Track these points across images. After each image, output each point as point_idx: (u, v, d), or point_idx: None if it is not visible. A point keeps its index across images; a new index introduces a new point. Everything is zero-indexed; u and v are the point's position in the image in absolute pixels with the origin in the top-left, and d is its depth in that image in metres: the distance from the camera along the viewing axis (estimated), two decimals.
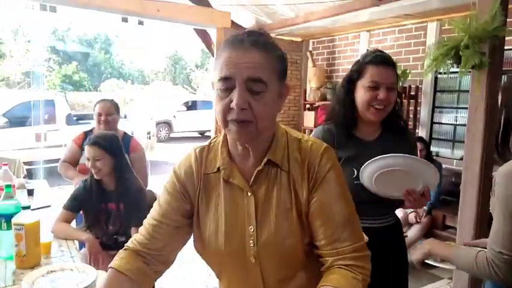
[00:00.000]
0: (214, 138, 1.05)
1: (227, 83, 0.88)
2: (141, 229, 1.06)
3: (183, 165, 1.04)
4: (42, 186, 3.09)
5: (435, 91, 4.68)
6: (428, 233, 3.85)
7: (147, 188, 2.52)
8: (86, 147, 2.13)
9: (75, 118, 7.75)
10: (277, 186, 0.96)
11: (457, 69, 2.76)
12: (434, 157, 4.26)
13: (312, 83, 5.83)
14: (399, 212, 3.92)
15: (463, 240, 2.76)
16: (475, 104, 2.62)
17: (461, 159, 4.31)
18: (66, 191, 2.65)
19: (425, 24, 4.54)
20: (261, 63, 0.87)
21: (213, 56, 5.64)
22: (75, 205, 2.19)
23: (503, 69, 3.12)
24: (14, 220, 1.64)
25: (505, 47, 2.71)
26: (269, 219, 0.94)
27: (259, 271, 0.96)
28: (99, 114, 2.84)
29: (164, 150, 11.10)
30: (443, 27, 4.37)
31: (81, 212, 2.28)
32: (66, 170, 2.87)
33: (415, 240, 3.85)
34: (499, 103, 1.41)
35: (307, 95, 5.91)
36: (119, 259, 1.00)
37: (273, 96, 0.91)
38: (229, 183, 0.98)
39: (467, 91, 4.33)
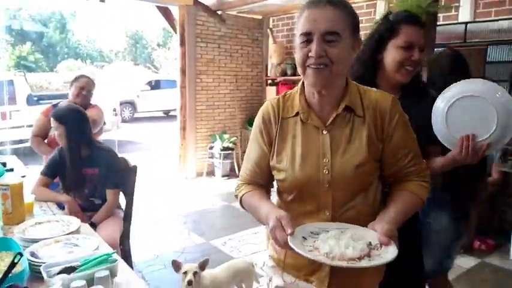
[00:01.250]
0: (287, 92, 1.23)
1: (307, 37, 1.05)
2: (244, 171, 1.26)
3: (260, 114, 1.23)
4: (14, 160, 3.20)
5: None
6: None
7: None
8: (52, 120, 2.32)
9: (35, 98, 7.61)
10: (352, 128, 1.12)
11: None
12: None
13: (272, 59, 6.08)
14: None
15: None
16: None
17: None
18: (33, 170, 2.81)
19: (375, 1, 4.87)
20: (335, 18, 1.04)
21: (176, 33, 5.73)
22: (51, 171, 2.37)
23: (439, 42, 3.50)
24: None
25: (438, 23, 3.06)
26: (343, 153, 1.11)
27: (330, 195, 1.11)
28: (81, 88, 3.04)
29: (129, 130, 11.08)
30: (390, 4, 4.72)
31: (55, 179, 2.45)
32: (38, 145, 3.00)
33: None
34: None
35: (268, 71, 6.17)
36: (243, 189, 1.23)
37: (347, 46, 1.06)
38: (306, 124, 1.15)
39: None
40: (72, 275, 1.24)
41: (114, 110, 8.63)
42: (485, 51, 4.11)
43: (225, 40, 6.01)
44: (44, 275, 1.24)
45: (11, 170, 1.86)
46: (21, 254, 1.20)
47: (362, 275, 1.14)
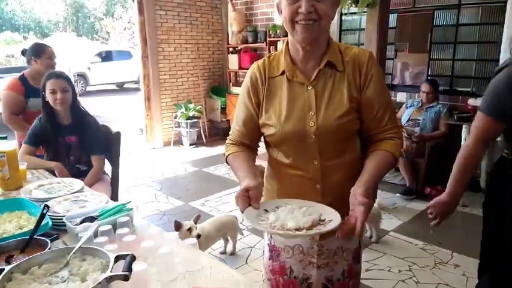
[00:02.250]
0: (272, 53, 1.32)
1: None
2: (232, 132, 1.36)
3: (248, 76, 1.31)
4: None
5: (340, 31, 5.32)
6: None
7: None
8: (52, 81, 2.31)
9: None
10: (334, 83, 1.21)
11: (356, 10, 3.33)
12: None
13: (233, 27, 6.12)
14: None
15: None
16: (369, 37, 3.24)
17: None
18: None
19: None
20: None
21: (133, 2, 5.59)
22: (34, 140, 2.40)
23: (391, 8, 3.78)
24: None
25: None
26: (327, 106, 1.20)
27: (317, 146, 1.21)
28: (50, 58, 3.01)
29: (83, 104, 10.66)
30: None
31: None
32: (17, 123, 2.92)
33: None
34: None
35: (229, 39, 6.22)
36: (230, 149, 1.33)
37: (331, 2, 1.15)
38: (292, 82, 1.23)
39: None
40: (96, 221, 1.37)
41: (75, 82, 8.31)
42: (432, 16, 4.47)
43: (184, 8, 5.95)
44: (69, 224, 1.37)
45: (5, 137, 1.89)
46: (47, 206, 1.31)
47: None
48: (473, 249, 2.78)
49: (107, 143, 2.57)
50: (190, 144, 6.05)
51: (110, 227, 1.31)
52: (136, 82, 14.24)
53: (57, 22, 23.66)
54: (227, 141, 1.38)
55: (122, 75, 14.18)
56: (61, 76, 2.34)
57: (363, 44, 5.08)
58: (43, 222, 1.34)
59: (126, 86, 15.13)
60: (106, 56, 14.07)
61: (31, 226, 1.40)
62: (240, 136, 1.33)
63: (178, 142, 6.14)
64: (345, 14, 5.20)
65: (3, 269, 0.98)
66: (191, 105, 6.03)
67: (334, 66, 1.22)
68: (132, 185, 4.38)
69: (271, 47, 5.68)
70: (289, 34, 1.22)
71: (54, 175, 2.25)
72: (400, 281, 2.48)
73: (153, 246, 1.23)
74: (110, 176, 2.65)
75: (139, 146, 6.05)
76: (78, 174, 2.45)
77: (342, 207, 1.13)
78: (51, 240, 1.22)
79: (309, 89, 1.22)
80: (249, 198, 1.11)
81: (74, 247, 1.10)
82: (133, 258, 1.04)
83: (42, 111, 2.39)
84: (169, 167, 5.06)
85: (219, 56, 6.56)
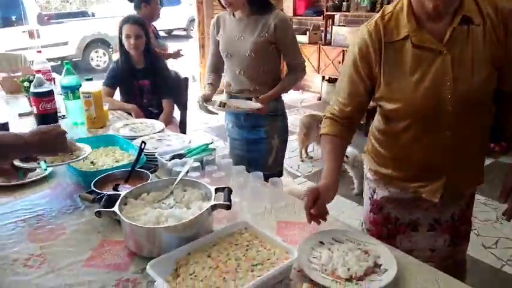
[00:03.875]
0: (385, 11, 1.11)
1: None
2: (333, 105, 1.24)
3: (356, 44, 1.14)
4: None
5: None
6: None
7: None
8: (127, 26, 2.41)
9: (46, 18, 7.47)
10: (472, 42, 1.02)
11: None
12: None
13: None
14: None
15: None
16: None
17: None
18: None
19: None
20: None
21: None
22: (112, 82, 2.55)
23: None
24: (82, 89, 2.00)
25: None
26: (466, 71, 1.03)
27: (454, 118, 1.07)
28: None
29: None
30: None
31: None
32: None
33: None
34: None
35: None
36: (326, 127, 1.24)
37: None
38: (419, 47, 1.05)
39: None
40: (185, 158, 1.49)
41: None
42: None
43: None
44: (161, 160, 1.49)
45: (91, 79, 2.03)
46: (144, 143, 1.43)
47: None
48: None
49: (176, 88, 2.68)
50: None
51: (198, 163, 1.42)
52: (185, 29, 14.22)
53: None
54: (326, 113, 1.27)
55: (171, 21, 14.16)
56: (136, 22, 2.41)
57: None
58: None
59: (174, 33, 15.17)
60: None
61: (126, 160, 1.54)
62: (341, 111, 1.22)
63: None
64: None
65: (119, 195, 1.11)
66: None
67: (470, 21, 1.03)
68: (190, 130, 4.55)
69: None
70: None
71: (131, 116, 2.40)
72: None
73: (242, 182, 1.33)
74: (178, 120, 2.79)
75: (192, 93, 6.18)
76: (150, 117, 2.59)
77: (470, 177, 1.15)
78: (151, 172, 1.35)
79: (443, 53, 1.04)
80: (317, 199, 1.04)
81: (176, 179, 1.21)
82: (230, 191, 1.13)
83: (119, 53, 2.51)
84: (221, 114, 5.15)
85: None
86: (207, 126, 4.78)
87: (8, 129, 1.79)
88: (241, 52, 1.83)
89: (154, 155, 1.53)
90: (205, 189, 1.17)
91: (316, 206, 1.04)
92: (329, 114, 1.26)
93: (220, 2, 1.85)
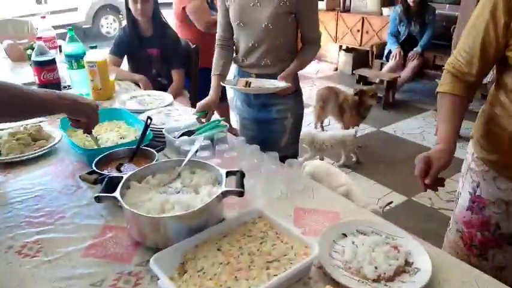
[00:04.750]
0: None
1: None
2: (456, 57, 1.09)
3: None
4: None
5: None
6: (420, 72, 4.27)
7: None
8: None
9: None
10: None
11: None
12: (428, 2, 4.39)
13: None
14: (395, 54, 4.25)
15: None
16: None
17: (454, 3, 4.50)
18: None
19: None
20: None
21: None
22: (119, 50, 2.42)
23: None
24: (86, 59, 1.88)
25: None
26: None
27: None
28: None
29: None
30: None
31: None
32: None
33: (406, 80, 4.29)
34: None
35: None
36: (445, 84, 1.09)
37: None
38: None
39: None
40: (195, 136, 1.38)
41: None
42: None
43: None
44: (169, 137, 1.38)
45: (95, 47, 1.90)
46: (150, 118, 1.32)
47: None
48: None
49: (186, 57, 2.53)
50: None
51: (209, 142, 1.31)
52: None
53: None
54: (447, 66, 1.11)
55: None
56: None
57: None
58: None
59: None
60: None
61: (131, 136, 1.44)
62: (466, 66, 1.06)
63: None
64: None
65: (121, 177, 1.01)
66: None
67: None
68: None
69: None
70: None
71: (138, 87, 2.28)
72: None
73: (256, 164, 1.22)
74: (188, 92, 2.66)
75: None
76: (159, 88, 2.47)
77: None
78: (157, 151, 1.24)
79: None
80: (429, 168, 0.95)
81: (184, 160, 1.11)
82: (243, 175, 1.02)
83: (126, 19, 2.36)
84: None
85: None
86: None
87: None
88: (257, 22, 1.62)
89: (162, 131, 1.42)
90: (216, 172, 1.06)
91: (430, 176, 0.94)
92: (451, 68, 1.10)
93: None
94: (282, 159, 1.27)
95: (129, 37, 2.37)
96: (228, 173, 1.03)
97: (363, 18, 4.98)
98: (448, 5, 4.60)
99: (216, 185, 1.04)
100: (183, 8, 2.74)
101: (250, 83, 1.60)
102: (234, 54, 1.75)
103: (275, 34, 1.62)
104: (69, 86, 2.06)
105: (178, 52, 2.46)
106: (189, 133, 1.42)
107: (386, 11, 4.80)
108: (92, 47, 1.89)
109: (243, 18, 1.64)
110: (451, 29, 4.27)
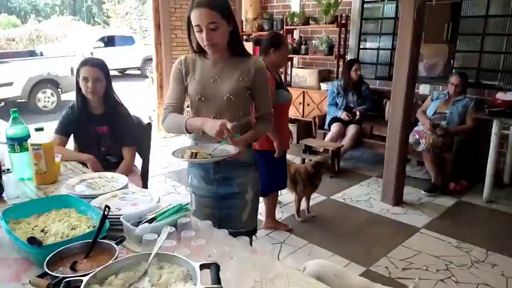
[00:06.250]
0: None
1: None
2: None
3: None
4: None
5: (361, 19, 5.19)
6: (358, 140, 4.55)
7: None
8: (86, 68, 2.19)
9: None
10: None
11: None
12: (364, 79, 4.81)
13: (248, 13, 5.96)
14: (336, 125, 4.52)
15: (391, 141, 3.42)
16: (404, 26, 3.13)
17: (385, 78, 5.00)
18: None
19: None
20: None
21: None
22: (64, 130, 2.30)
23: None
24: (31, 141, 1.75)
25: None
26: None
27: None
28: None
29: None
30: None
31: None
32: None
33: (348, 148, 4.52)
34: None
35: (244, 26, 6.07)
36: None
37: None
38: None
39: (390, 18, 4.94)
40: (156, 223, 1.29)
41: (72, 69, 8.11)
42: (460, 6, 4.36)
43: None
44: (128, 225, 1.28)
45: (41, 129, 1.79)
46: (108, 207, 1.22)
47: None
48: (508, 248, 2.81)
49: (138, 134, 2.47)
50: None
51: (174, 229, 1.22)
52: (139, 68, 14.01)
53: (53, 5, 23.15)
54: None
55: (125, 61, 13.93)
56: (96, 65, 2.22)
57: (384, 34, 5.00)
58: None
59: (128, 72, 14.90)
60: (108, 41, 13.79)
61: (84, 226, 1.31)
62: None
63: None
64: (368, 1, 5.07)
65: (80, 280, 0.89)
66: None
67: None
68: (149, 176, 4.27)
69: (288, 35, 5.54)
70: None
71: (86, 167, 2.15)
72: (440, 281, 2.43)
73: (227, 251, 1.15)
74: (140, 169, 2.56)
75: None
76: (108, 167, 2.36)
77: None
78: (117, 244, 1.13)
79: None
80: None
81: (150, 254, 1.02)
82: (218, 268, 0.96)
83: (76, 98, 2.28)
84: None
85: None
86: (166, 170, 4.52)
87: None
88: (219, 95, 1.68)
89: (119, 218, 1.31)
90: (187, 265, 0.98)
91: None
92: None
93: (191, 45, 1.73)
94: (244, 235, 1.22)
95: (77, 116, 2.28)
96: (202, 266, 0.95)
97: (303, 92, 5.32)
98: (378, 81, 5.10)
99: (188, 281, 0.95)
100: None
101: (197, 153, 1.63)
102: None
103: (236, 105, 1.69)
104: (8, 169, 1.89)
105: (130, 129, 2.40)
106: (149, 220, 1.33)
107: (324, 86, 5.18)
108: (37, 129, 1.77)
109: (204, 93, 1.70)
110: (384, 102, 4.70)
